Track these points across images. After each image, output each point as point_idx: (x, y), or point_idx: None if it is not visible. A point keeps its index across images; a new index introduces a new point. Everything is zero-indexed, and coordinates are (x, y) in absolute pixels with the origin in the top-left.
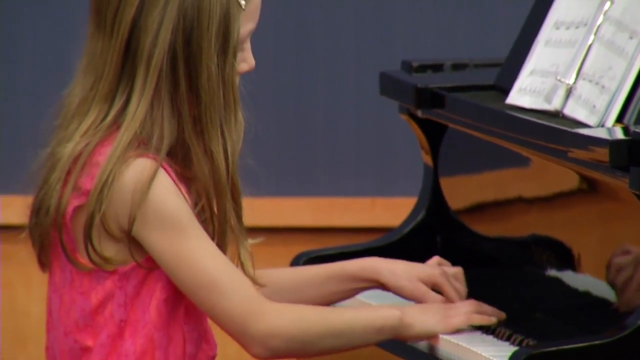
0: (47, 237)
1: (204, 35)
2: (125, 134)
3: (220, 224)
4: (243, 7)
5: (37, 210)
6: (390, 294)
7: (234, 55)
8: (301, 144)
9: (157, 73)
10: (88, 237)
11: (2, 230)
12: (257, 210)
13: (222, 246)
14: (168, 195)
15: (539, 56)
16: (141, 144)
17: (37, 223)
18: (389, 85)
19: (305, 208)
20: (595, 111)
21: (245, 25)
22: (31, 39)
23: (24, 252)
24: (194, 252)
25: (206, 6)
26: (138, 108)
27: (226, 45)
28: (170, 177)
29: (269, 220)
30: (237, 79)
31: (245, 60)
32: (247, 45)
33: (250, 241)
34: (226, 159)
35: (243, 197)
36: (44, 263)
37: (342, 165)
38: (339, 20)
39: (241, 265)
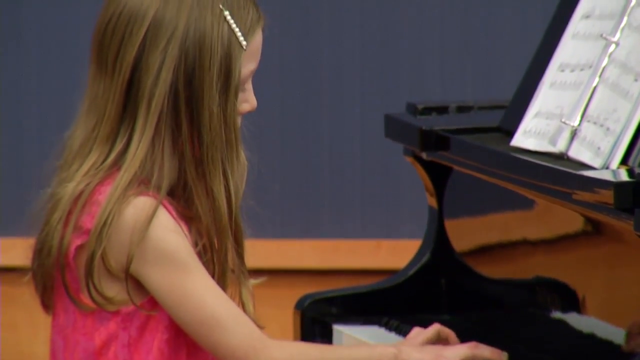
0: (50, 278)
1: (206, 75)
2: (125, 173)
3: (220, 264)
4: (244, 47)
5: (39, 251)
6: (389, 334)
7: (236, 95)
8: (306, 186)
9: (158, 113)
10: (90, 276)
11: (5, 273)
12: (262, 252)
13: (222, 286)
14: (167, 232)
15: (544, 98)
16: (142, 183)
17: (40, 264)
18: (394, 128)
19: (310, 250)
20: (600, 153)
21: (247, 65)
22: (35, 81)
23: (28, 295)
24: (195, 289)
25: (208, 46)
26: (139, 148)
27: (228, 85)
28: (171, 214)
29: (273, 262)
30: (239, 119)
31: (247, 101)
32: (249, 86)
33: (253, 281)
34: (228, 198)
35: (247, 238)
36: (47, 305)
37: (347, 207)
38: (344, 62)
39: (242, 305)
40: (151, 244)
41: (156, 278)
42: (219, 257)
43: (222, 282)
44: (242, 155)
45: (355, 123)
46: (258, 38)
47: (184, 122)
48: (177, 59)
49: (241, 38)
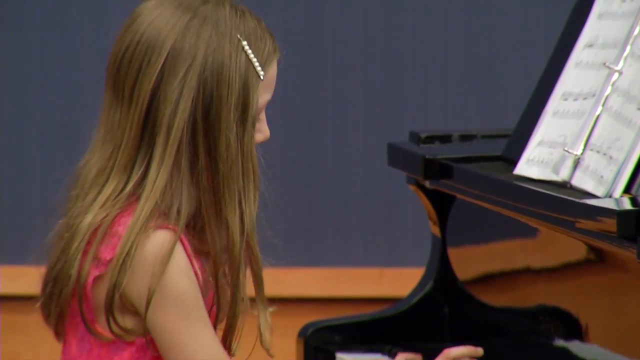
0: (66, 306)
1: (224, 105)
2: (146, 204)
3: (232, 294)
4: (262, 77)
5: (54, 280)
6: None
7: (253, 125)
8: (309, 214)
9: (177, 143)
10: (110, 309)
11: (8, 301)
12: (265, 280)
13: (232, 317)
14: (180, 275)
15: (547, 127)
16: (161, 214)
17: (53, 293)
18: (397, 156)
19: (313, 278)
20: (602, 182)
21: (263, 95)
22: (39, 111)
23: (33, 323)
24: (191, 339)
25: (226, 76)
26: (158, 178)
27: (245, 115)
28: (186, 251)
29: (276, 290)
30: (255, 149)
31: (261, 131)
32: (263, 116)
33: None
34: (242, 229)
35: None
36: (59, 333)
37: (350, 235)
38: (347, 91)
39: (260, 336)
40: (165, 284)
41: (157, 318)
42: (231, 287)
43: (232, 313)
44: (258, 184)
45: (359, 151)
46: (274, 69)
47: (202, 152)
48: (196, 89)
49: (258, 68)
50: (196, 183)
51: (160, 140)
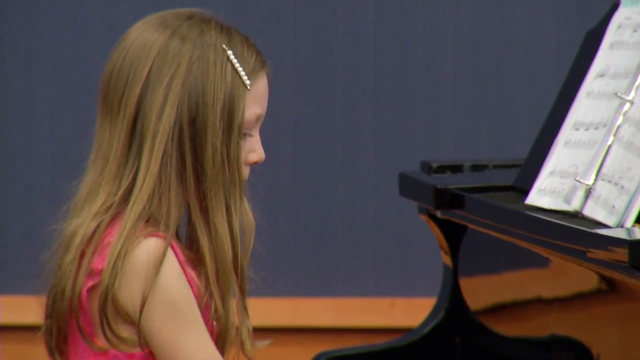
0: (64, 323)
1: (209, 111)
2: (132, 209)
3: (222, 301)
4: (248, 86)
5: (54, 296)
6: None
7: (239, 134)
8: (320, 244)
9: (162, 148)
10: (104, 315)
11: (15, 331)
12: (277, 310)
13: (224, 326)
14: (174, 281)
15: (559, 157)
16: (150, 219)
17: (54, 309)
18: (408, 186)
19: (324, 308)
20: (614, 211)
21: (251, 107)
22: (47, 144)
23: (34, 354)
24: (186, 345)
25: (211, 83)
26: (145, 183)
27: (231, 123)
28: (178, 259)
29: (288, 320)
30: (247, 169)
31: (255, 151)
32: (257, 136)
33: (259, 343)
34: (231, 234)
35: (262, 296)
36: (61, 351)
37: (361, 265)
38: (358, 120)
39: (241, 344)
40: (158, 290)
41: (155, 326)
42: (221, 294)
43: (224, 320)
44: (245, 199)
45: (370, 181)
46: (262, 82)
47: (188, 158)
48: (181, 95)
49: (245, 77)
50: (184, 189)
51: (146, 147)
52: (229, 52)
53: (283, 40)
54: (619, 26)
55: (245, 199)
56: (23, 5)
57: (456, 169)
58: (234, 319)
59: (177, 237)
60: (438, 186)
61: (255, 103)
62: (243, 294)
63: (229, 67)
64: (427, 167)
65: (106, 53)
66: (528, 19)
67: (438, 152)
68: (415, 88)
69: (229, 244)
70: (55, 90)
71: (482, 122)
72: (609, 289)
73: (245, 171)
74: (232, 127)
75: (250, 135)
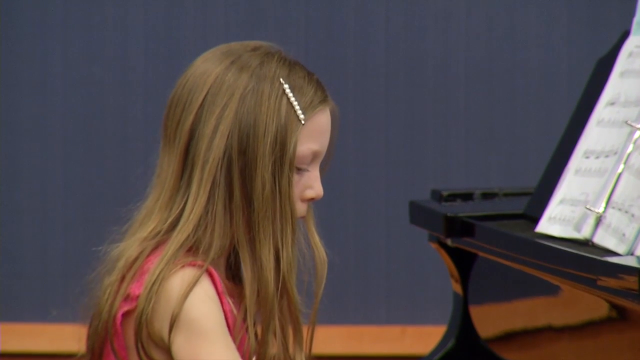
0: (99, 344)
1: (260, 143)
2: (177, 237)
3: (262, 337)
4: (302, 120)
5: (94, 317)
6: None
7: (291, 169)
8: (331, 272)
9: (211, 178)
10: (139, 340)
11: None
12: None
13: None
14: (200, 300)
15: (569, 185)
16: (192, 249)
17: (92, 329)
18: (418, 214)
19: (335, 336)
20: (624, 239)
21: (306, 142)
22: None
23: None
24: None
25: (263, 115)
26: (192, 213)
27: (282, 157)
28: (217, 288)
29: None
30: (303, 205)
31: (312, 187)
32: (315, 172)
33: None
34: (277, 269)
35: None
36: None
37: (372, 293)
38: (370, 149)
39: None
40: (183, 311)
41: (179, 343)
42: (262, 329)
43: (262, 357)
44: (315, 234)
45: (380, 209)
46: (321, 118)
47: (237, 189)
48: (232, 125)
49: (299, 112)
50: (231, 220)
51: (196, 177)
52: (285, 86)
53: None
54: (630, 54)
55: (315, 234)
56: (33, 37)
57: (466, 197)
58: (273, 351)
59: (226, 266)
60: (448, 214)
61: (311, 139)
62: (296, 334)
63: (284, 100)
64: (437, 196)
65: (121, 51)
66: (539, 48)
67: (448, 180)
68: (426, 117)
69: (274, 278)
70: (67, 120)
71: (492, 151)
72: (619, 317)
73: (302, 207)
74: (283, 160)
75: (307, 171)
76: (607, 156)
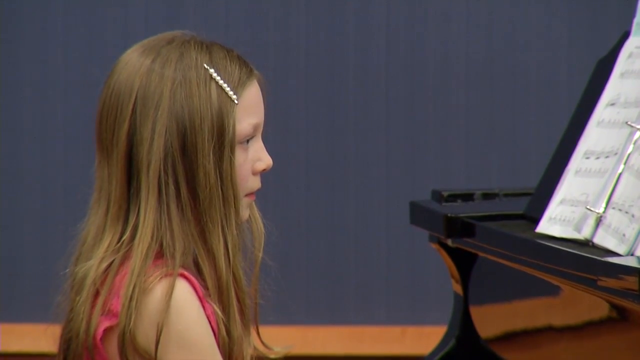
0: None
1: (198, 135)
2: (138, 247)
3: (226, 328)
4: (236, 100)
5: (69, 338)
6: None
7: (232, 151)
8: (332, 272)
9: (157, 179)
10: (124, 355)
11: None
12: (288, 338)
13: (231, 349)
14: (194, 320)
15: (569, 185)
16: (158, 254)
17: (70, 350)
18: (419, 215)
19: (335, 337)
20: (625, 240)
21: (245, 119)
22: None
23: None
24: None
25: (196, 106)
26: (146, 217)
27: (222, 141)
28: (198, 294)
29: (299, 348)
30: (256, 179)
31: (261, 159)
32: (259, 143)
33: (282, 348)
34: (227, 256)
35: (274, 324)
36: None
37: (372, 294)
38: (370, 150)
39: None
40: (177, 329)
41: (167, 356)
42: (225, 316)
43: (232, 343)
44: (242, 211)
45: (381, 210)
46: (252, 91)
47: (183, 184)
48: (167, 123)
49: (230, 92)
50: (185, 217)
51: (143, 182)
52: (211, 71)
53: (294, 68)
54: (630, 55)
55: (255, 209)
56: (34, 37)
57: (467, 197)
58: (241, 334)
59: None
60: (449, 215)
61: (248, 114)
62: (243, 314)
63: (213, 85)
64: (438, 196)
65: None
66: (540, 49)
67: (449, 180)
68: (427, 117)
69: (226, 267)
70: (67, 121)
71: (493, 151)
72: (620, 317)
73: (255, 181)
74: (223, 145)
75: (251, 145)
76: (607, 157)
